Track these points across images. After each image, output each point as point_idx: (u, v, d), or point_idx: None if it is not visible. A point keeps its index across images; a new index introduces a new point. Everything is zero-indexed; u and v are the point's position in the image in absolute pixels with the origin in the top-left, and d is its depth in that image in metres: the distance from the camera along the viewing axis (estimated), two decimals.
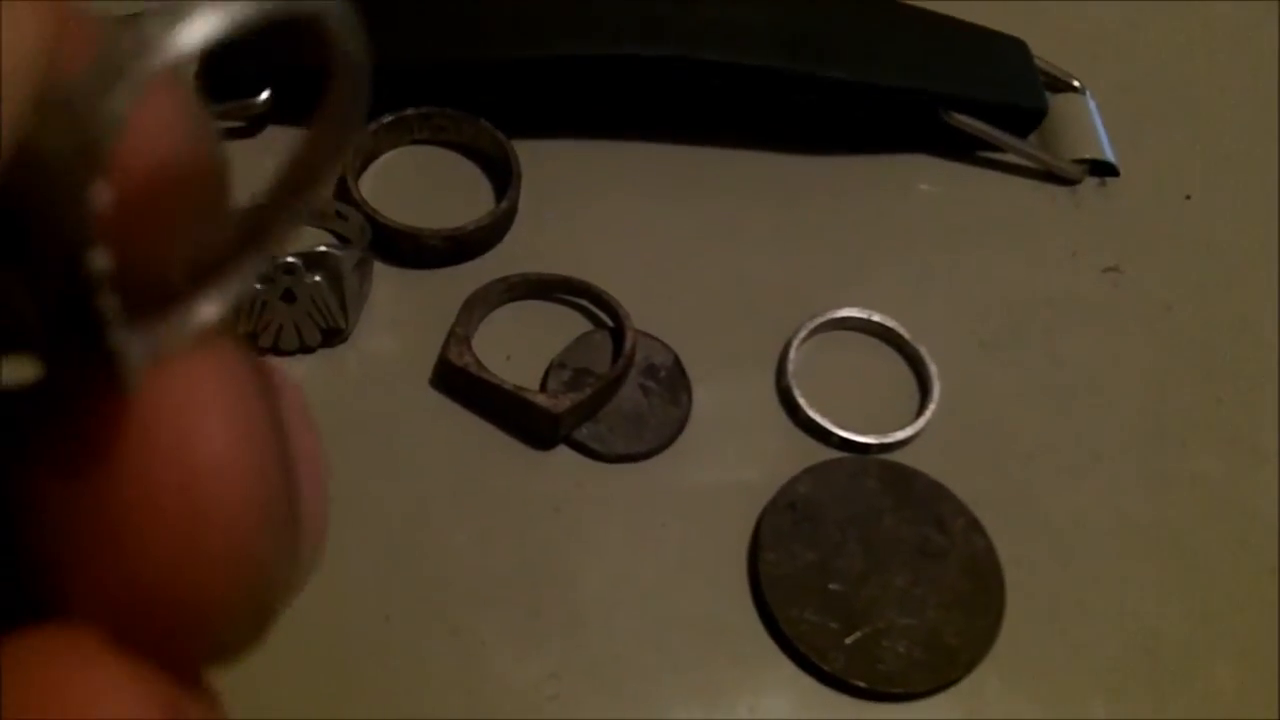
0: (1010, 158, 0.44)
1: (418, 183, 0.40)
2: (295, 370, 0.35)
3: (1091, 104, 0.46)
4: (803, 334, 0.38)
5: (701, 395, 0.37)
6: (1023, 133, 0.44)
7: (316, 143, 0.13)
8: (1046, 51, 0.46)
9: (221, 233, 0.13)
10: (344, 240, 0.38)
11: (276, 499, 0.12)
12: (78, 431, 0.12)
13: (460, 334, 0.36)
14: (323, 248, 0.35)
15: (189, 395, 0.12)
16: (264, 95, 0.39)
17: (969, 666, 0.33)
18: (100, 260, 0.11)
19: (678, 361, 0.37)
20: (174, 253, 0.12)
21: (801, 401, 0.37)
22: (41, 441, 0.12)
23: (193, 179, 0.12)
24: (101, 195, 0.10)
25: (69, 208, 0.10)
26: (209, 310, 0.12)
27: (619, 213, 0.41)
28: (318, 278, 0.34)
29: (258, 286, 0.34)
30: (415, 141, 0.41)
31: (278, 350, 0.36)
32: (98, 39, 0.11)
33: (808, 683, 0.32)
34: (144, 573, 0.11)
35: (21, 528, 0.12)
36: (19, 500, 0.12)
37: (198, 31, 0.10)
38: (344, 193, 0.38)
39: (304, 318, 0.35)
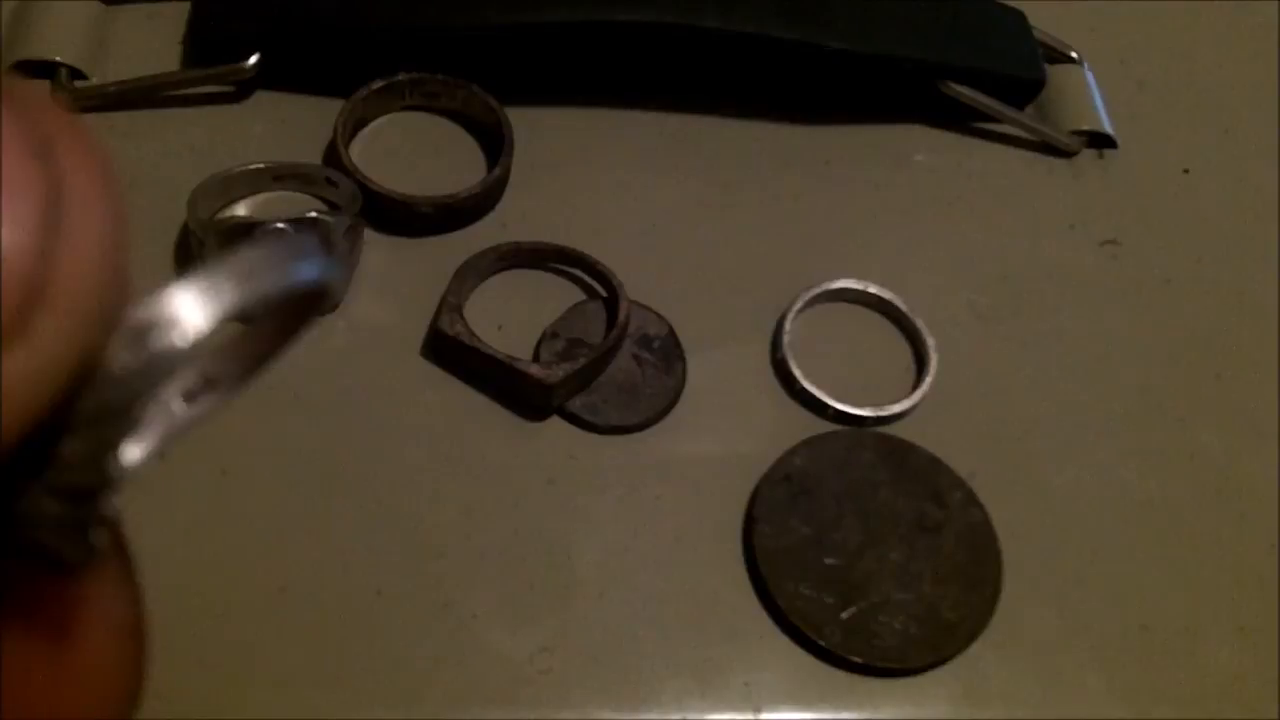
0: (1007, 129, 0.44)
1: (409, 149, 0.40)
2: None
3: (1089, 75, 0.45)
4: (798, 305, 0.38)
5: (696, 366, 0.37)
6: (1020, 103, 0.44)
7: (257, 341, 0.15)
8: (1045, 22, 0.45)
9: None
10: (334, 206, 0.37)
11: (138, 673, 0.16)
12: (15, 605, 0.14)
13: (452, 303, 0.35)
14: (313, 213, 0.34)
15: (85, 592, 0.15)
16: (253, 60, 0.38)
17: (966, 642, 0.33)
18: (122, 463, 0.13)
19: (672, 332, 0.37)
20: None
21: (797, 373, 0.36)
22: None
23: None
24: (146, 411, 0.12)
25: (122, 414, 0.12)
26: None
27: (613, 181, 0.40)
28: None
29: None
30: (406, 107, 0.40)
31: None
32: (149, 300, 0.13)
33: (803, 658, 0.32)
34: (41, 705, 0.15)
35: None
36: None
37: (262, 286, 0.12)
38: (334, 158, 0.37)
39: None
